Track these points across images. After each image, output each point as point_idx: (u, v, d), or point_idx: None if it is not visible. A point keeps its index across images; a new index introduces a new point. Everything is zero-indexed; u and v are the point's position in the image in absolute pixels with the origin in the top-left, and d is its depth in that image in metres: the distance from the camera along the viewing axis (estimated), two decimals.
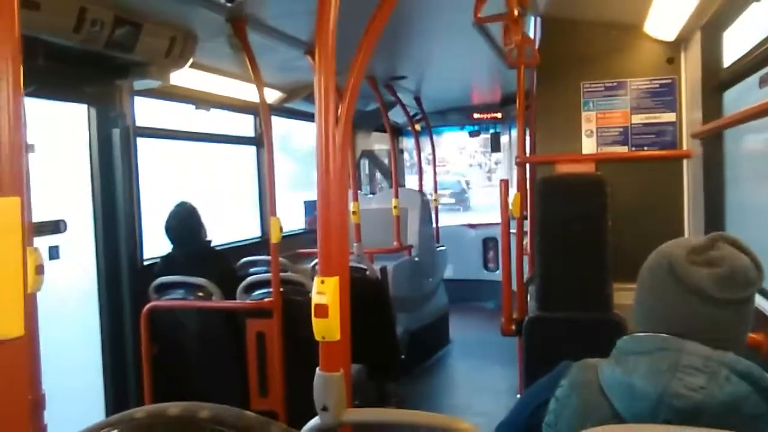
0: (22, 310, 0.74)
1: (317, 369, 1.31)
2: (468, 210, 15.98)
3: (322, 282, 1.30)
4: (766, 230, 2.45)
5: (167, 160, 4.46)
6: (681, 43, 3.25)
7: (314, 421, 1.29)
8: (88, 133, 3.42)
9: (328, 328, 1.29)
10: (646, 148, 3.38)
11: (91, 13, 2.59)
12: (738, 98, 2.68)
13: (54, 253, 3.13)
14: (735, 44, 2.67)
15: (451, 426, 1.23)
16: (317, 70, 1.34)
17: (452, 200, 16.48)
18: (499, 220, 3.19)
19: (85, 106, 3.38)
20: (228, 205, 5.27)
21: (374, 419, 1.33)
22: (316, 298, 1.29)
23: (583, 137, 3.47)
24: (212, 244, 3.80)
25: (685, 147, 3.27)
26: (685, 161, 3.27)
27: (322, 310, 1.28)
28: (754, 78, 2.34)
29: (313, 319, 1.29)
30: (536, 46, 3.44)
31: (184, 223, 3.63)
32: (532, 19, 3.58)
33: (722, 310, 1.09)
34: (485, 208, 9.51)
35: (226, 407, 0.70)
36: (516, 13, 2.80)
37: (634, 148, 3.39)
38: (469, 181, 18.21)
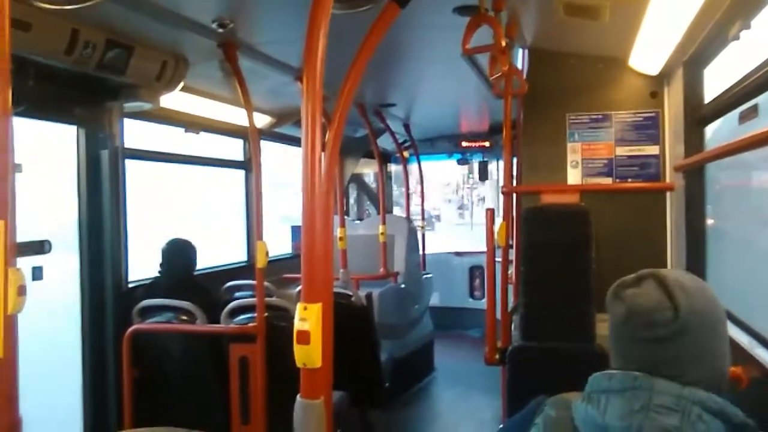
0: (3, 331, 0.74)
1: (298, 396, 1.31)
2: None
3: (305, 308, 1.30)
4: (746, 262, 2.48)
5: (156, 183, 4.45)
6: (664, 77, 3.32)
7: None
8: (77, 153, 3.42)
9: (309, 354, 1.28)
10: (630, 179, 3.42)
11: (84, 35, 2.61)
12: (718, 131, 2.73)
13: (37, 273, 3.10)
14: (716, 80, 2.73)
15: None
16: (305, 95, 1.35)
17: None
18: (484, 249, 3.20)
19: (74, 127, 3.39)
20: (215, 229, 5.25)
21: None
22: (298, 325, 1.29)
23: (569, 168, 3.51)
24: (196, 274, 3.81)
25: (668, 179, 3.31)
26: (667, 194, 3.31)
27: (304, 337, 1.27)
28: (734, 113, 2.39)
29: (295, 345, 1.29)
30: (523, 77, 3.49)
31: (180, 254, 3.68)
32: (520, 51, 3.65)
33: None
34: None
35: None
36: (503, 44, 2.85)
37: (618, 180, 3.44)
38: (440, 216, 18.05)
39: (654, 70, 3.26)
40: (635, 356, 1.12)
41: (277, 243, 5.50)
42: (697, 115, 2.91)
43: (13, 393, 0.76)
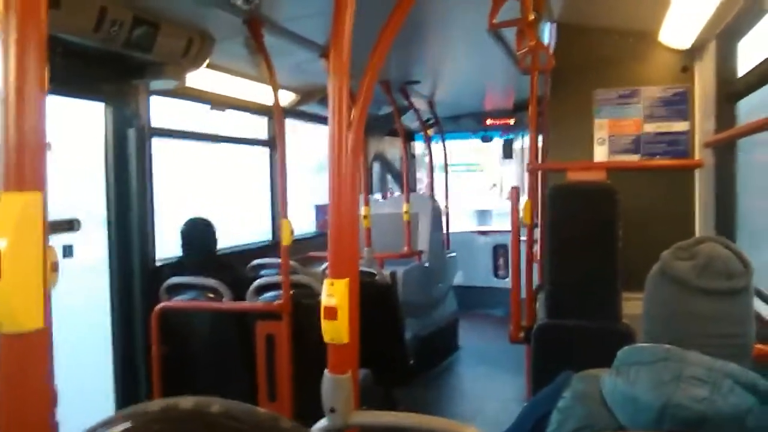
0: (42, 302, 0.75)
1: (325, 371, 1.32)
2: None
3: (332, 284, 1.30)
4: None
5: (181, 161, 4.49)
6: (695, 51, 3.24)
7: (322, 423, 1.29)
8: (104, 132, 3.45)
9: (336, 330, 1.29)
10: (657, 156, 3.37)
11: (111, 13, 2.62)
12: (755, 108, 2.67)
13: (68, 251, 3.16)
14: (750, 54, 2.66)
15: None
16: (331, 72, 1.34)
17: None
18: (509, 227, 3.19)
19: (101, 105, 3.42)
20: (240, 207, 5.29)
21: (382, 422, 1.33)
22: (325, 300, 1.30)
23: (595, 145, 3.47)
24: (222, 253, 3.85)
25: (697, 157, 3.25)
26: (696, 171, 3.25)
27: (332, 313, 1.28)
28: None
29: (322, 321, 1.30)
30: (550, 53, 3.44)
31: (201, 232, 3.71)
32: (547, 25, 3.58)
33: (707, 302, 1.09)
34: None
35: (238, 402, 0.70)
36: (530, 18, 2.80)
37: (645, 157, 3.38)
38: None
39: (685, 44, 3.18)
40: (670, 315, 1.12)
41: (301, 215, 5.52)
42: (730, 89, 2.84)
43: (49, 365, 0.78)
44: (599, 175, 3.01)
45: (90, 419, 0.76)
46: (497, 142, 7.71)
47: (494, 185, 8.47)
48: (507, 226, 3.29)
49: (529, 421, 1.30)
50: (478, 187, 8.60)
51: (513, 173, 8.19)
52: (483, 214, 8.48)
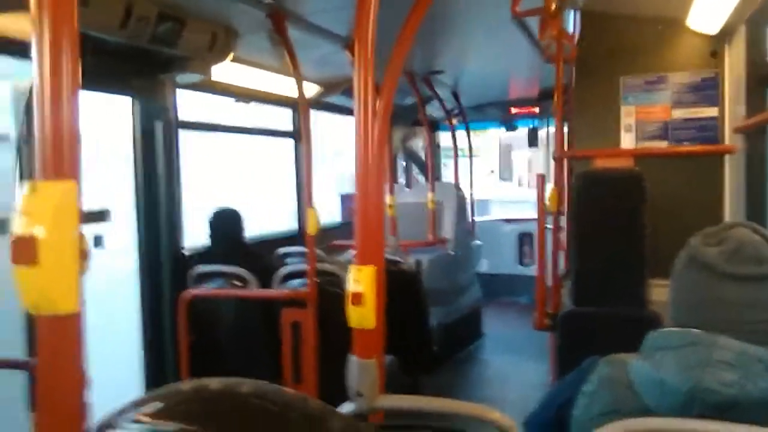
0: (77, 287, 0.79)
1: (352, 355, 1.34)
2: None
3: (359, 270, 1.32)
4: None
5: (208, 153, 4.55)
6: (725, 36, 3.19)
7: (348, 406, 1.32)
8: (133, 125, 3.51)
9: (363, 316, 1.31)
10: (686, 143, 3.32)
11: (137, 9, 2.67)
12: None
13: (98, 241, 3.23)
14: None
15: (485, 416, 1.24)
16: (357, 64, 1.36)
17: None
18: (534, 215, 3.18)
19: (129, 99, 3.48)
20: (266, 197, 5.34)
21: (407, 406, 1.35)
22: (352, 287, 1.32)
23: (622, 132, 3.43)
24: (248, 242, 3.90)
25: (726, 142, 3.21)
26: (726, 157, 3.21)
27: (358, 298, 1.30)
28: None
29: (349, 306, 1.32)
30: (575, 41, 3.41)
31: (229, 222, 3.76)
32: (571, 13, 3.55)
33: (736, 288, 1.08)
34: None
35: (266, 383, 0.73)
36: (554, 7, 2.78)
37: (674, 143, 3.34)
38: None
39: (714, 28, 3.13)
40: (700, 302, 1.11)
41: (325, 205, 5.54)
42: (761, 73, 2.80)
43: (82, 348, 0.81)
44: (626, 162, 2.98)
45: (120, 403, 0.79)
46: (521, 131, 7.65)
47: (492, 171, 8.31)
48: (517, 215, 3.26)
49: (555, 404, 1.31)
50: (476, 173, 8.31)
51: (524, 160, 8.03)
52: (481, 206, 8.14)
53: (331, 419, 0.69)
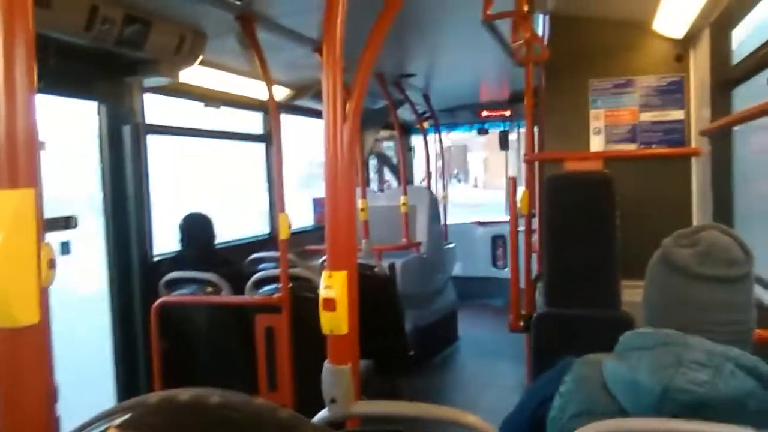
0: (36, 298, 0.76)
1: (325, 362, 1.33)
2: None
3: (330, 276, 1.31)
4: None
5: (176, 157, 4.48)
6: (690, 40, 3.24)
7: (323, 413, 1.30)
8: (99, 129, 3.45)
9: (335, 321, 1.30)
10: (654, 145, 3.37)
11: (102, 11, 2.62)
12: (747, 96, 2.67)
13: (65, 248, 3.16)
14: (744, 42, 2.66)
15: (459, 420, 1.23)
16: (325, 66, 1.35)
17: None
18: (507, 218, 3.19)
19: (95, 104, 3.41)
20: (236, 203, 5.29)
21: (383, 412, 1.34)
22: (324, 292, 1.30)
23: (591, 135, 3.47)
24: (219, 247, 3.86)
25: (693, 145, 3.26)
26: (693, 159, 3.26)
27: (330, 304, 1.29)
28: (764, 75, 2.34)
29: (321, 312, 1.31)
30: (545, 44, 3.44)
31: (200, 227, 3.72)
32: (541, 16, 3.58)
33: (708, 289, 1.10)
34: None
35: (236, 393, 0.71)
36: (524, 10, 2.80)
37: (642, 146, 3.39)
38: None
39: (679, 33, 3.19)
40: (672, 302, 1.12)
41: (298, 209, 5.50)
42: (725, 77, 2.85)
43: (48, 359, 0.78)
44: (596, 164, 3.01)
45: (91, 414, 0.77)
46: (493, 134, 7.70)
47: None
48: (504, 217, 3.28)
49: (530, 406, 1.30)
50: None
51: (480, 161, 8.11)
52: None
53: (303, 429, 0.68)
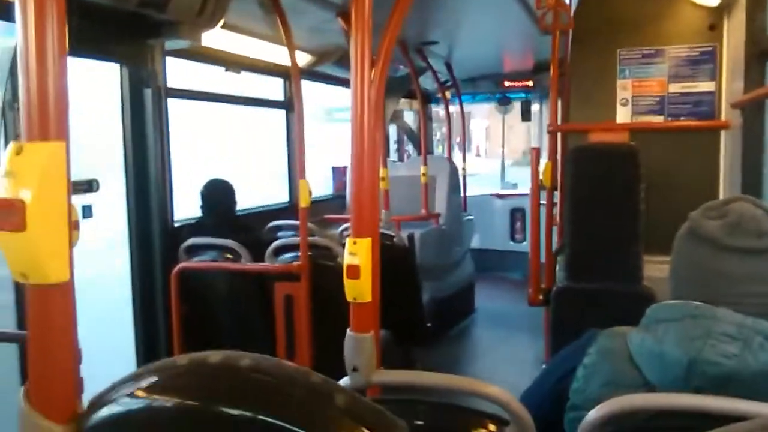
0: (67, 254, 0.75)
1: (348, 330, 1.32)
2: None
3: (355, 243, 1.29)
4: None
5: (197, 123, 4.48)
6: (724, 8, 3.14)
7: (344, 381, 1.30)
8: (120, 92, 3.43)
9: (359, 289, 1.29)
10: (682, 118, 3.30)
11: None
12: None
13: (87, 212, 3.18)
14: None
15: (481, 390, 1.22)
16: (353, 31, 1.32)
17: None
18: (527, 191, 3.16)
19: (117, 66, 3.40)
20: (256, 169, 5.28)
21: (404, 381, 1.34)
22: (348, 259, 1.29)
23: (618, 106, 3.40)
24: (239, 214, 3.86)
25: (723, 117, 3.18)
26: (722, 132, 3.19)
27: (355, 271, 1.28)
28: None
29: (345, 280, 1.29)
30: (571, 12, 3.36)
31: (221, 194, 3.72)
32: None
33: (737, 261, 1.08)
34: None
35: (266, 357, 0.70)
36: None
37: (670, 118, 3.32)
38: None
39: (713, 1, 3.09)
40: (728, 272, 1.10)
41: (317, 177, 5.48)
42: (760, 48, 2.77)
43: (74, 319, 0.78)
44: (621, 136, 2.95)
45: (113, 377, 0.76)
46: (515, 105, 7.61)
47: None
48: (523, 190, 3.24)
49: (554, 376, 1.30)
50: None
51: (482, 129, 8.03)
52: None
53: (336, 394, 0.67)
